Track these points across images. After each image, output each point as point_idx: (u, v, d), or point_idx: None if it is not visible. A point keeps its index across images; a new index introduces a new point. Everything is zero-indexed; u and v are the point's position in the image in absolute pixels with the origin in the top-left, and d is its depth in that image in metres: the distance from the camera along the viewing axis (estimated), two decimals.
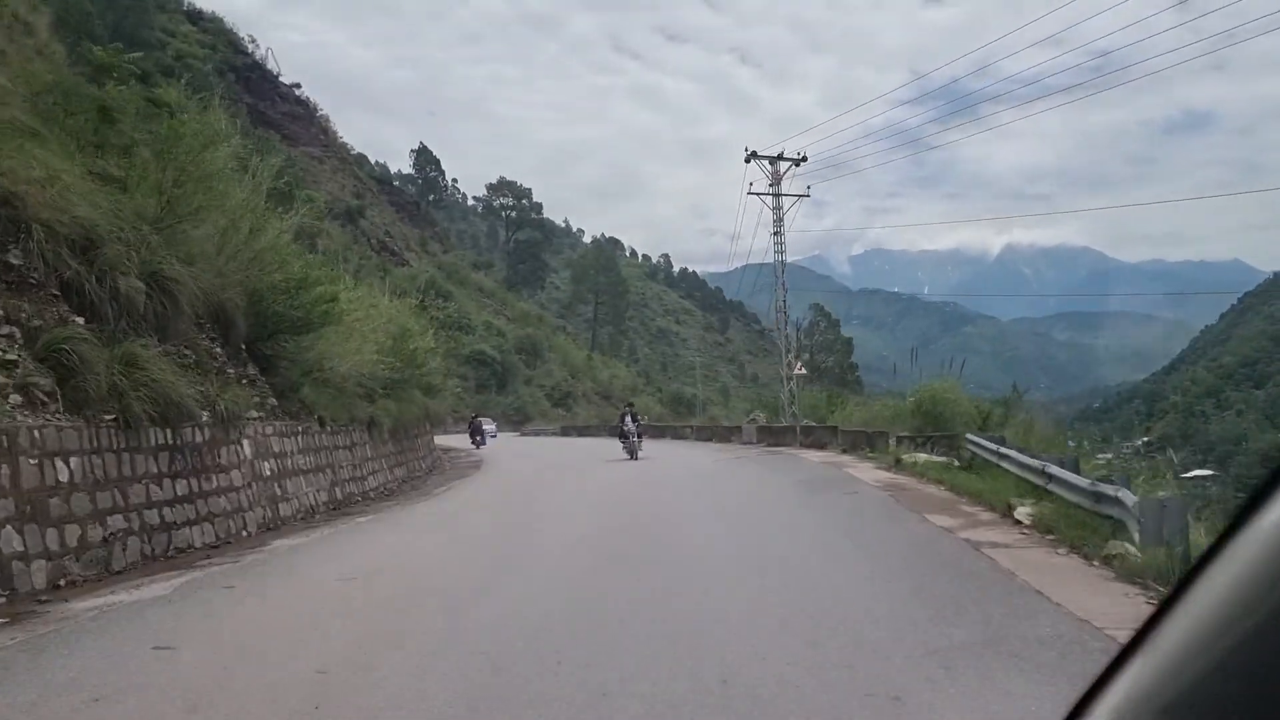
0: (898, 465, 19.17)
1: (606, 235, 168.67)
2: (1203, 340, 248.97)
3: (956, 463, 17.96)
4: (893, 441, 24.25)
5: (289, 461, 15.39)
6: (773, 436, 34.75)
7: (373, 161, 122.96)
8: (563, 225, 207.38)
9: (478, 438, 46.79)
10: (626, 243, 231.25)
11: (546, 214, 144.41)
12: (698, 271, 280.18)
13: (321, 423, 17.63)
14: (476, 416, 54.22)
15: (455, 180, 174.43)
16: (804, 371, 38.90)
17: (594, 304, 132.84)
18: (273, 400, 15.81)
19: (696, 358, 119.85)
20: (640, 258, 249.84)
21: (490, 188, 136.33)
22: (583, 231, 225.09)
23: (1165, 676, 0.89)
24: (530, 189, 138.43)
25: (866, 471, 19.52)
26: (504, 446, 47.62)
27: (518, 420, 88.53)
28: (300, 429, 16.25)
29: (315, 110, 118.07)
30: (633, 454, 30.27)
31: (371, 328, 22.47)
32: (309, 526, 14.52)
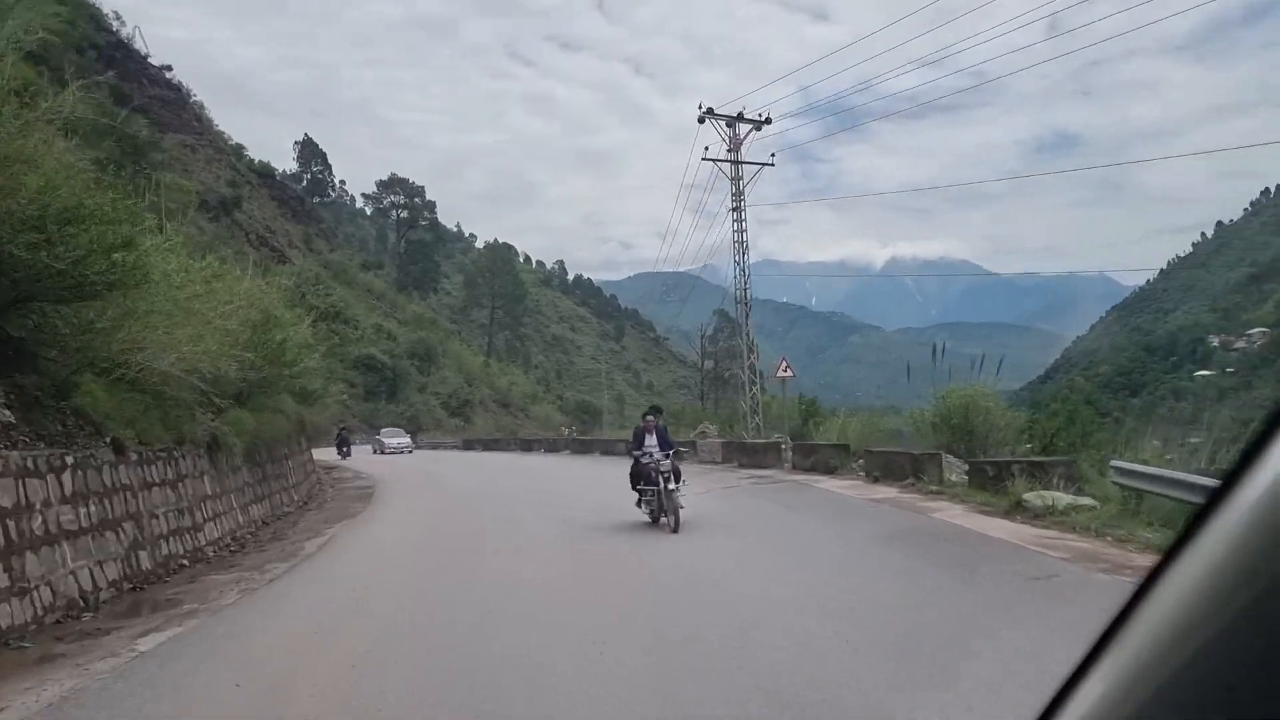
0: (1024, 511, 12.65)
1: (500, 240, 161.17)
2: (1075, 350, 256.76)
3: (1093, 503, 12.17)
4: (953, 472, 18.26)
5: (38, 520, 8.73)
6: (747, 456, 28.47)
7: (254, 157, 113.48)
8: (455, 230, 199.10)
9: (344, 449, 46.56)
10: (520, 249, 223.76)
11: (439, 218, 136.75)
12: (593, 279, 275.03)
13: (119, 448, 11.04)
14: (344, 428, 52.04)
15: (343, 182, 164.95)
16: (791, 373, 33.11)
17: (490, 308, 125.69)
18: (6, 412, 9.11)
19: (600, 364, 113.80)
20: (535, 264, 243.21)
21: (381, 185, 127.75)
22: (475, 236, 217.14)
23: (1134, 680, 0.88)
24: (423, 187, 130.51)
25: (998, 526, 12.22)
26: (400, 465, 40.61)
27: (411, 430, 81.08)
28: (71, 460, 9.64)
29: (189, 96, 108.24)
30: (665, 516, 14.35)
31: (220, 311, 15.82)
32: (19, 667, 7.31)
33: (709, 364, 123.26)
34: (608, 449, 40.42)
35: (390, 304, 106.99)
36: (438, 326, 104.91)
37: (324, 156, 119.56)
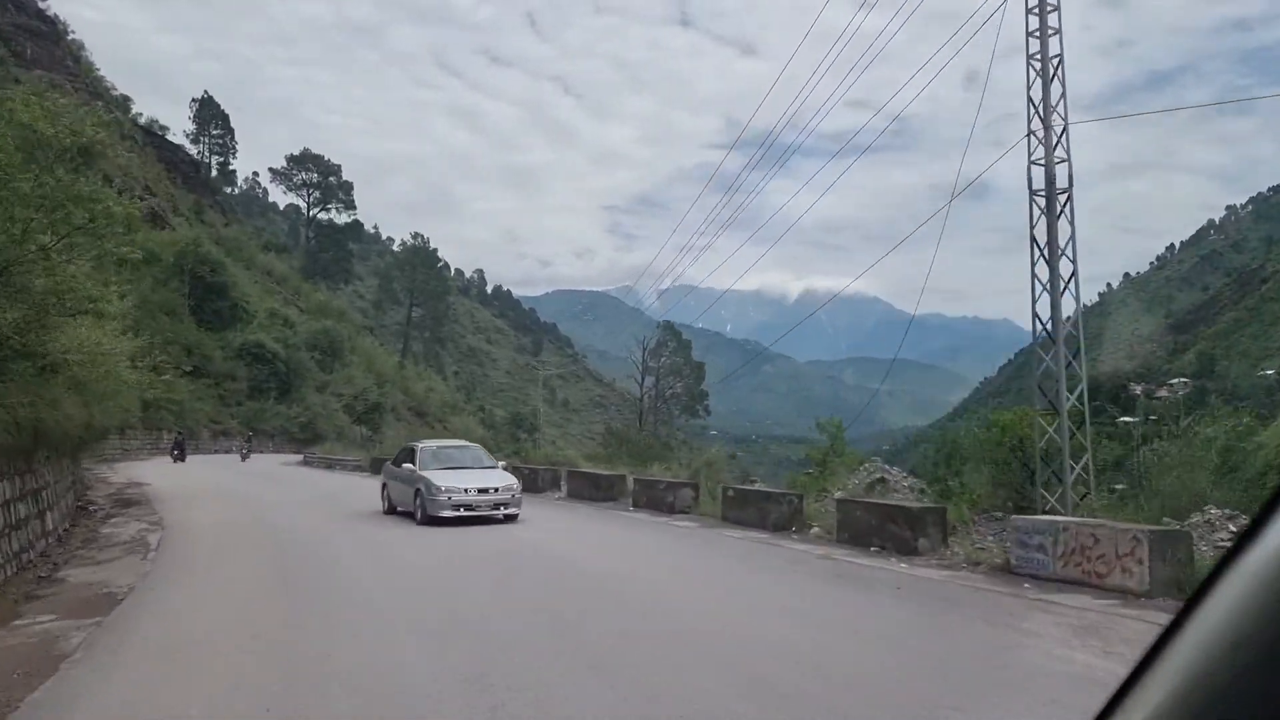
0: None
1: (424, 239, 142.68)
2: (983, 390, 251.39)
3: None
4: None
5: None
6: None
7: (142, 112, 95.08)
8: (372, 232, 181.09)
9: (176, 452, 44.48)
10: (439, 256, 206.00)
11: (353, 215, 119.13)
12: (512, 291, 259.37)
13: None
14: (181, 434, 47.56)
15: (256, 174, 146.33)
16: None
17: (408, 305, 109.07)
18: None
19: (547, 370, 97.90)
20: (454, 271, 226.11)
21: (291, 160, 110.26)
22: (393, 240, 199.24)
23: (1177, 699, 0.85)
24: (339, 165, 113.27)
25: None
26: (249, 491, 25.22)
27: (305, 440, 64.38)
28: None
29: (66, 31, 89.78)
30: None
31: None
32: None
33: (649, 379, 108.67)
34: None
35: (292, 290, 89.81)
36: (346, 320, 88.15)
37: (225, 119, 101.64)
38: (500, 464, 19.16)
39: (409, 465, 17.80)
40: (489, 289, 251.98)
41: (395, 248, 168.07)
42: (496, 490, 16.72)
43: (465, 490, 16.43)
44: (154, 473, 32.05)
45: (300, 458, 49.60)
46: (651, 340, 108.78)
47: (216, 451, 57.43)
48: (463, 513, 16.22)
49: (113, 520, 16.34)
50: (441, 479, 16.68)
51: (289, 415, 63.43)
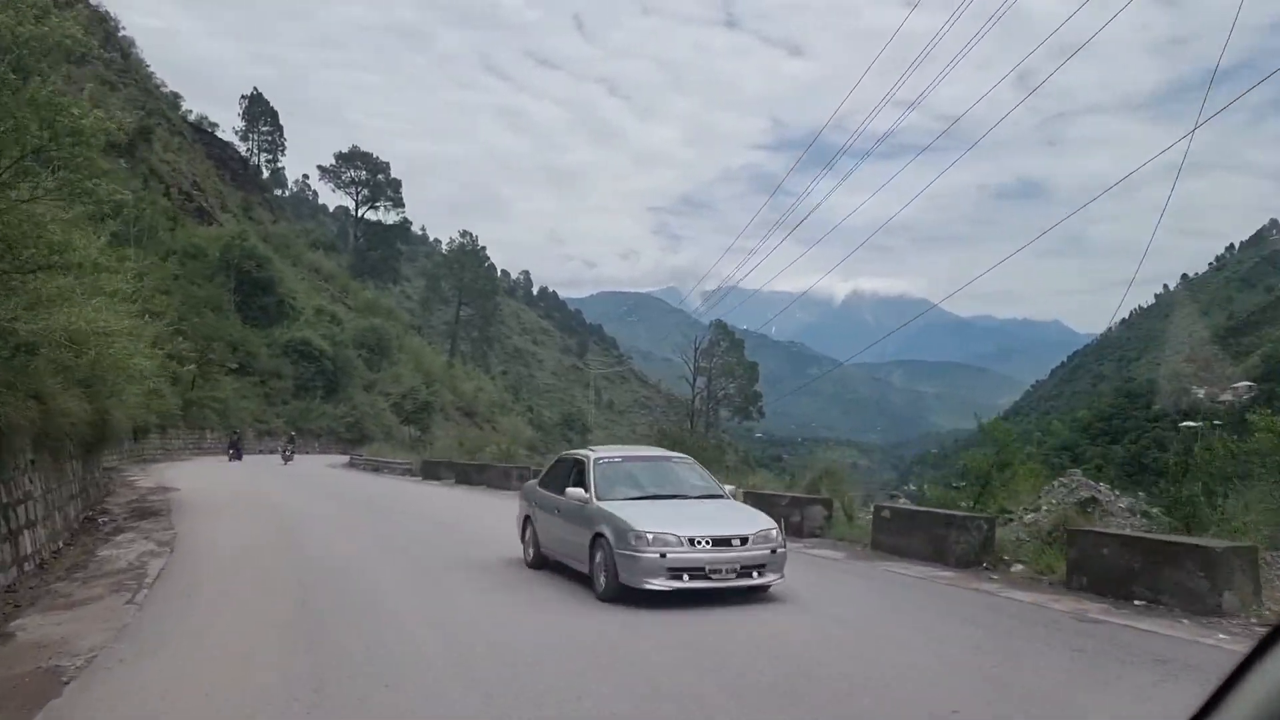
0: None
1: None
2: (1036, 394, 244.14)
3: None
4: None
5: None
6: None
7: (191, 108, 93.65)
8: (419, 233, 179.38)
9: (232, 451, 43.58)
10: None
11: (402, 213, 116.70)
12: (557, 293, 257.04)
13: None
14: (237, 434, 47.31)
15: (306, 177, 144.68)
16: None
17: (456, 304, 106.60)
18: None
19: (596, 370, 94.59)
20: (500, 272, 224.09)
21: (340, 158, 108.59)
22: (439, 241, 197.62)
23: None
24: (388, 163, 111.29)
25: None
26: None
27: (351, 440, 61.81)
28: None
29: (116, 29, 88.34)
30: None
31: None
32: None
33: (701, 380, 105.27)
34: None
35: (340, 288, 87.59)
36: (394, 318, 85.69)
37: (274, 116, 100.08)
38: (728, 488, 11.58)
39: (577, 490, 10.48)
40: (534, 290, 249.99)
41: (442, 249, 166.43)
42: (745, 541, 9.36)
43: (692, 541, 9.21)
44: (190, 475, 29.32)
45: (346, 459, 46.88)
46: (703, 340, 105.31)
47: (261, 451, 54.96)
48: (688, 581, 9.05)
49: (118, 538, 13.37)
50: (644, 518, 9.49)
51: (335, 415, 60.91)
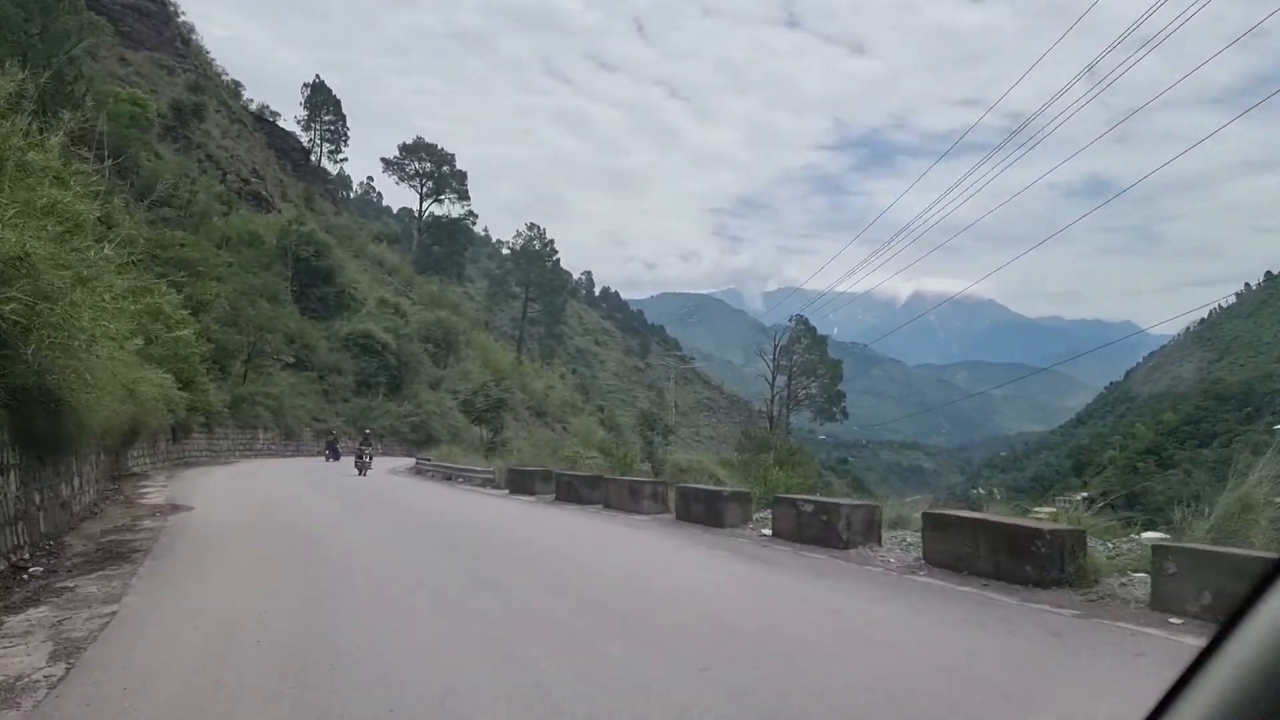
0: None
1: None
2: (1110, 396, 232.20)
3: None
4: None
5: None
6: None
7: (253, 98, 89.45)
8: (482, 234, 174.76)
9: (328, 453, 41.75)
10: None
11: (467, 206, 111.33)
12: (619, 293, 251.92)
13: None
14: (334, 436, 44.86)
15: (370, 179, 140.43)
16: None
17: (524, 299, 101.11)
18: None
19: (681, 367, 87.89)
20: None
21: (404, 149, 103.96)
22: (502, 242, 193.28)
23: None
24: (453, 155, 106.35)
25: None
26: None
27: (416, 441, 56.43)
28: None
29: (176, 13, 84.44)
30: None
31: None
32: None
33: (780, 378, 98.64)
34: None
35: (404, 281, 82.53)
36: (462, 311, 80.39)
37: (337, 105, 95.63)
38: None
39: None
40: (596, 291, 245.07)
41: (504, 250, 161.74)
42: None
43: None
44: (221, 486, 23.69)
45: (411, 464, 41.28)
46: (783, 336, 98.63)
47: (318, 453, 49.70)
48: None
49: (16, 614, 7.45)
50: None
51: (399, 413, 55.48)
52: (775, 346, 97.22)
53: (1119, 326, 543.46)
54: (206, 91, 69.00)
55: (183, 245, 45.97)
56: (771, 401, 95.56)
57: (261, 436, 44.20)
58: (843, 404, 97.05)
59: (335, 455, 41.47)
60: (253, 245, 55.92)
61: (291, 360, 51.96)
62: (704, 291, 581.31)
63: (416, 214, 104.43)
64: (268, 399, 43.69)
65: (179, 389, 32.04)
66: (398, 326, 59.36)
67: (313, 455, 47.69)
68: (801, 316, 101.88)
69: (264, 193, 72.31)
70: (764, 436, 74.11)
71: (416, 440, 57.05)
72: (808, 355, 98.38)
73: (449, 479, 27.82)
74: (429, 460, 34.76)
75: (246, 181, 70.77)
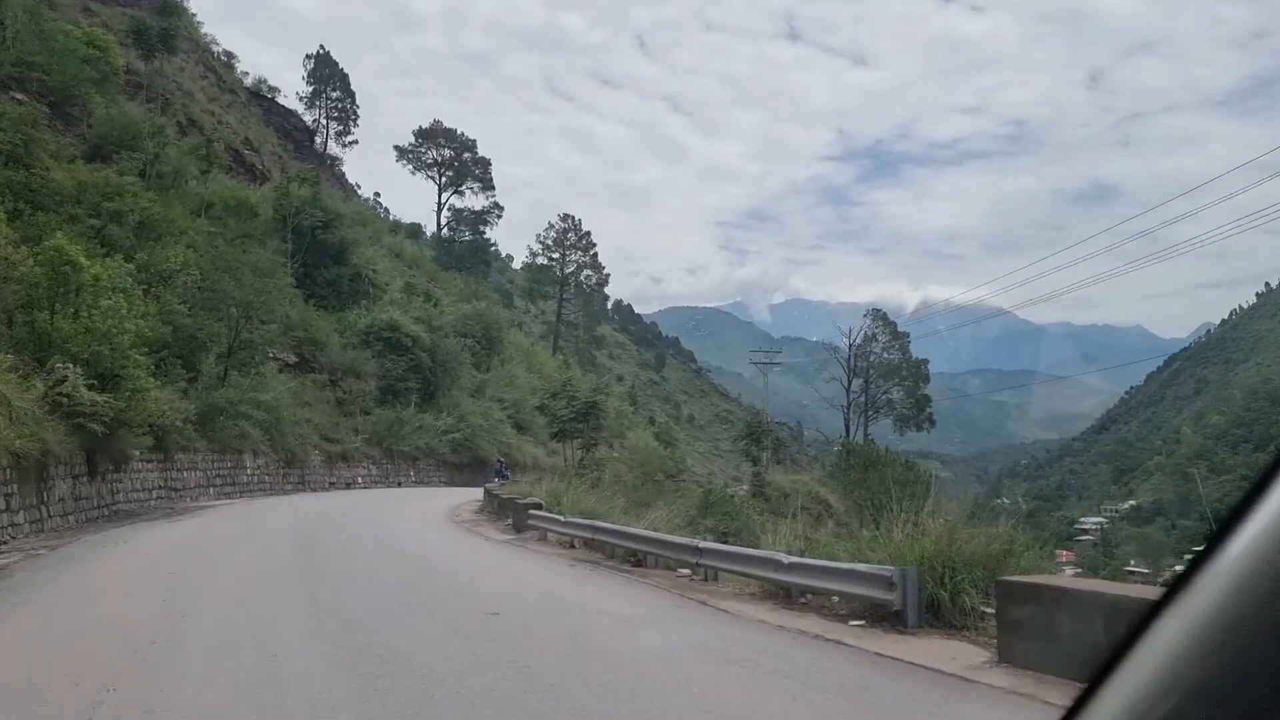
0: None
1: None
2: (1132, 400, 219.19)
3: None
4: None
5: None
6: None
7: (248, 71, 75.31)
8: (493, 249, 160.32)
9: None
10: None
11: (491, 197, 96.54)
12: (632, 305, 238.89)
13: None
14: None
15: (378, 194, 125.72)
16: None
17: (558, 297, 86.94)
18: None
19: (758, 362, 73.83)
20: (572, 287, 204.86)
21: (420, 134, 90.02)
22: (512, 257, 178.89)
23: (1144, 703, 0.83)
24: (474, 140, 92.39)
25: None
26: None
27: (457, 464, 42.36)
28: None
29: None
30: None
31: None
32: None
33: (857, 380, 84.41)
34: None
35: (428, 276, 68.23)
36: (496, 307, 66.22)
37: (345, 80, 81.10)
38: None
39: None
40: (609, 303, 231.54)
41: (515, 266, 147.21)
42: None
43: None
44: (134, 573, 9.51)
45: (471, 502, 26.69)
46: (857, 334, 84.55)
47: (334, 485, 35.35)
48: None
49: None
50: None
51: (437, 428, 41.04)
52: (850, 345, 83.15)
53: (1129, 331, 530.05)
54: (179, 32, 54.77)
55: (134, 195, 31.82)
56: (847, 409, 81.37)
57: (250, 464, 29.82)
58: (929, 410, 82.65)
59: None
60: (241, 215, 41.78)
61: (293, 360, 37.73)
62: (711, 305, 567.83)
63: (436, 205, 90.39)
64: (257, 409, 29.39)
65: (90, 387, 17.87)
66: (431, 316, 45.05)
67: (337, 489, 33.56)
68: (879, 310, 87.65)
69: (259, 166, 58.22)
70: (871, 451, 59.97)
71: (457, 463, 42.77)
72: (885, 355, 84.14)
73: (637, 561, 12.80)
74: (506, 495, 20.12)
75: (238, 153, 56.68)
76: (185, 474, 25.91)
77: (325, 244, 43.92)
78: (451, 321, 47.58)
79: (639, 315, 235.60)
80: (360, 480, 36.86)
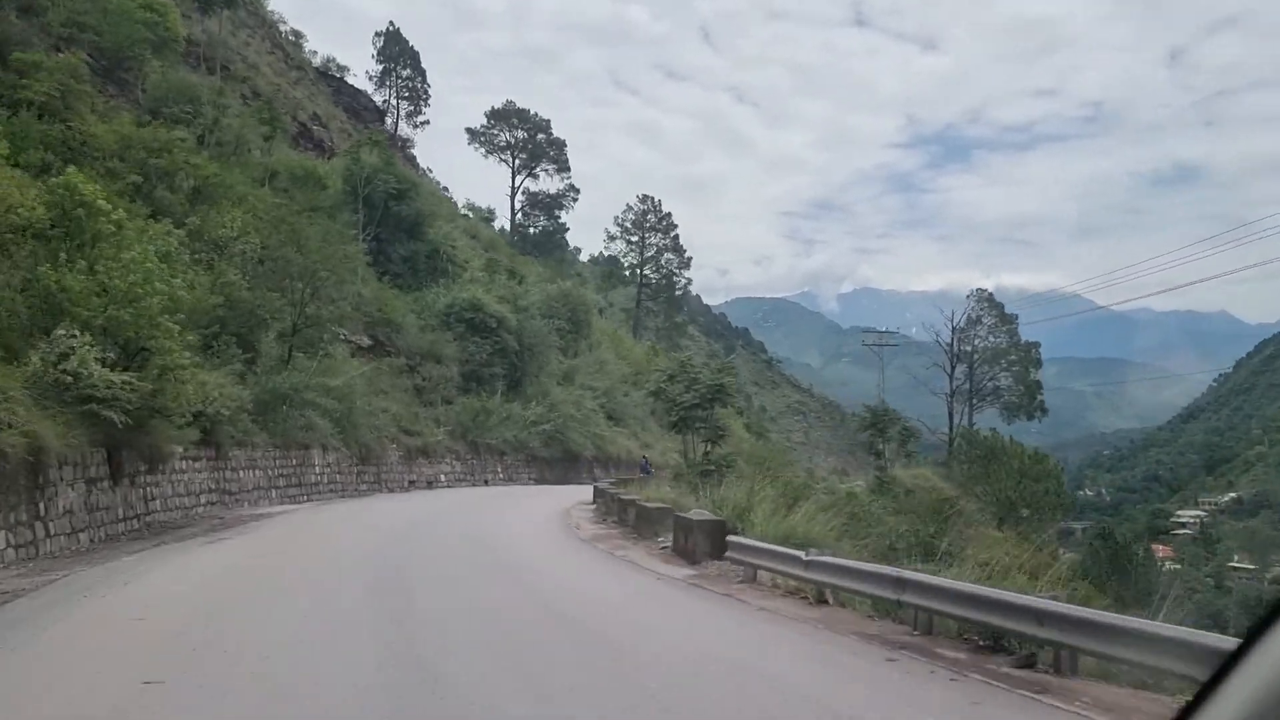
0: None
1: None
2: (1222, 388, 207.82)
3: None
4: None
5: None
6: None
7: (316, 49, 71.54)
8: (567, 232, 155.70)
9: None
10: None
11: (567, 179, 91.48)
12: (700, 297, 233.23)
13: None
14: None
15: (445, 188, 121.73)
16: None
17: (638, 280, 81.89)
18: None
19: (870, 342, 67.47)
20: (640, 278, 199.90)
21: (492, 115, 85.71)
22: (580, 249, 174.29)
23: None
24: (548, 121, 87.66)
25: None
26: None
27: (549, 460, 37.59)
28: None
29: None
30: None
31: None
32: None
33: (960, 369, 77.73)
34: None
35: (506, 257, 63.54)
36: (583, 286, 61.36)
37: (415, 58, 76.82)
38: None
39: None
40: (677, 293, 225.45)
41: (583, 257, 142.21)
42: None
43: None
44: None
45: (580, 505, 21.71)
46: (960, 316, 77.86)
47: (414, 484, 30.73)
48: None
49: None
50: None
51: (525, 419, 36.11)
52: (954, 329, 76.51)
53: (1213, 317, 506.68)
54: (242, 4, 50.74)
55: (186, 151, 27.47)
56: (950, 396, 74.70)
57: (319, 461, 25.21)
58: (1040, 397, 75.67)
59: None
60: (308, 186, 37.42)
61: (367, 343, 33.17)
62: (779, 295, 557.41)
63: (509, 190, 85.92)
64: (326, 397, 24.77)
65: (105, 363, 13.14)
66: (516, 296, 40.21)
67: (417, 487, 28.94)
68: (985, 291, 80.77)
69: (328, 142, 54.17)
70: (994, 441, 53.64)
71: (548, 459, 37.84)
72: (991, 340, 77.33)
73: (993, 645, 7.27)
74: (618, 492, 14.81)
75: (304, 127, 52.73)
76: (242, 474, 21.30)
77: (399, 217, 39.34)
78: (537, 302, 42.68)
79: (708, 306, 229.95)
80: (443, 478, 32.13)
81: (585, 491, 25.74)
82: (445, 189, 79.04)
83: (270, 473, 22.72)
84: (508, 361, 37.49)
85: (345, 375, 26.33)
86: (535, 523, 17.58)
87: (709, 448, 25.09)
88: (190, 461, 18.72)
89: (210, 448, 19.87)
